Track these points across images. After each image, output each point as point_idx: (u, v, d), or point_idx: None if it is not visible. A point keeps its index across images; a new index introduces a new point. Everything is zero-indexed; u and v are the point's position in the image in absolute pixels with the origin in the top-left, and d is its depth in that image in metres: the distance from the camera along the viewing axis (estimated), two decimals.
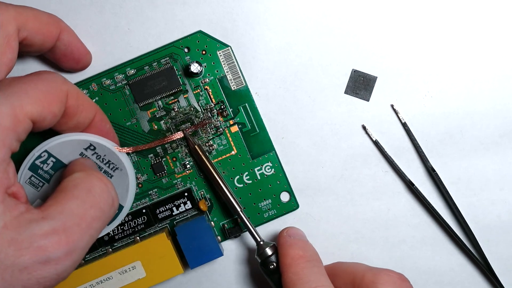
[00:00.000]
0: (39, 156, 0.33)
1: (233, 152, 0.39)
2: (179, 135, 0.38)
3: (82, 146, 0.34)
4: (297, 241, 0.37)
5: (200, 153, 0.38)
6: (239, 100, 0.39)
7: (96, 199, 0.29)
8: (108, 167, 0.35)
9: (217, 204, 0.40)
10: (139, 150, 0.38)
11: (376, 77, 0.39)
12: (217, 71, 0.39)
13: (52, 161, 0.33)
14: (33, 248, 0.26)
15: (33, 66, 0.39)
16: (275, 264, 0.36)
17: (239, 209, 0.37)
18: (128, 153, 0.37)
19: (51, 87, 0.30)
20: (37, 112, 0.29)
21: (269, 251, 0.36)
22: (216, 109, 0.39)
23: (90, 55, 0.38)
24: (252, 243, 0.40)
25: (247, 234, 0.40)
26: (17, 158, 0.31)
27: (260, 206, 0.40)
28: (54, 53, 0.36)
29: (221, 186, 0.38)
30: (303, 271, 0.34)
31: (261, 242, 0.37)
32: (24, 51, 0.34)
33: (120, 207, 0.35)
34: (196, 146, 0.38)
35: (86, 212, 0.29)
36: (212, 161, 0.39)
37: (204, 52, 0.39)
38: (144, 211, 0.39)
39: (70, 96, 0.32)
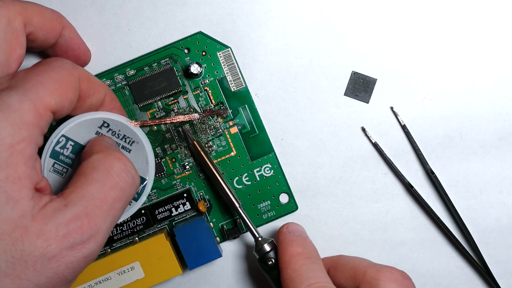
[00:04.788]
0: (58, 142, 0.33)
1: (232, 153, 0.39)
2: (192, 116, 0.38)
3: (96, 125, 0.34)
4: (297, 238, 0.37)
5: (199, 148, 0.38)
6: (239, 101, 0.39)
7: (116, 179, 0.30)
8: (125, 141, 0.35)
9: (216, 205, 0.40)
10: (146, 125, 0.38)
11: (376, 79, 0.40)
12: (217, 72, 0.39)
13: (71, 144, 0.34)
14: (59, 236, 0.27)
15: (32, 62, 0.38)
16: (273, 260, 0.36)
17: (237, 205, 0.37)
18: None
19: (64, 74, 0.31)
20: (55, 103, 0.29)
21: (267, 247, 0.36)
22: (215, 110, 0.39)
23: (89, 53, 0.38)
24: (251, 244, 0.40)
25: (246, 235, 0.40)
26: None
27: (259, 207, 0.40)
28: (55, 49, 0.36)
29: (220, 182, 0.38)
30: (301, 268, 0.34)
31: (260, 238, 0.37)
32: (27, 47, 0.34)
33: (143, 180, 0.35)
34: (194, 141, 0.38)
35: (107, 194, 0.29)
36: (211, 157, 0.39)
37: (204, 53, 0.39)
38: (143, 211, 0.39)
39: (81, 80, 0.32)
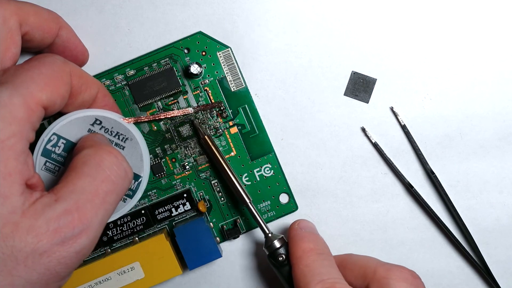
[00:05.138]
0: (49, 140, 0.33)
1: (232, 154, 0.39)
2: (186, 111, 0.38)
3: (88, 122, 0.34)
4: (308, 234, 0.37)
5: (210, 143, 0.38)
6: (239, 101, 0.39)
7: (107, 172, 0.30)
8: (118, 138, 0.35)
9: (216, 205, 0.40)
10: (141, 122, 0.38)
11: (376, 79, 0.39)
12: (217, 72, 0.39)
13: (62, 142, 0.33)
14: (49, 231, 0.27)
15: None
16: (284, 257, 0.36)
17: (248, 201, 0.37)
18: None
19: (55, 70, 0.31)
20: (46, 98, 0.29)
21: (277, 244, 0.36)
22: (215, 110, 0.39)
23: (87, 53, 0.38)
24: (251, 244, 0.40)
25: (246, 235, 0.40)
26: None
27: (259, 207, 0.40)
28: (52, 50, 0.36)
29: (231, 178, 0.38)
30: (314, 263, 0.34)
31: (270, 235, 0.37)
32: (24, 47, 0.34)
33: (138, 177, 0.35)
34: (206, 136, 0.38)
35: (98, 187, 0.29)
36: (222, 152, 0.39)
37: (204, 53, 0.39)
38: (143, 212, 0.39)
39: (73, 75, 0.32)
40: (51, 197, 0.28)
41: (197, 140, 0.39)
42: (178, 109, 0.39)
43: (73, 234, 0.27)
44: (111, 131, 0.34)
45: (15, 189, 0.27)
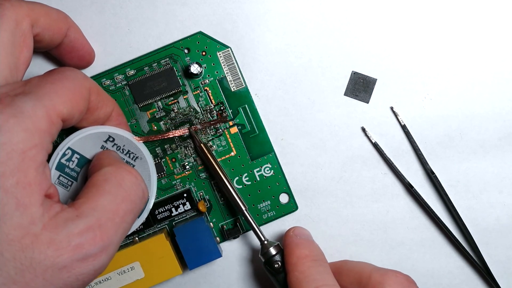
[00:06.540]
0: (64, 154, 0.33)
1: (232, 153, 0.39)
2: (195, 128, 0.38)
3: (102, 139, 0.34)
4: (303, 241, 0.37)
5: (206, 151, 0.38)
6: (239, 101, 0.39)
7: (127, 192, 0.30)
8: (129, 157, 0.35)
9: (216, 205, 0.40)
10: (150, 141, 0.38)
11: (376, 79, 0.40)
12: (217, 72, 0.39)
13: (76, 157, 0.33)
14: (71, 247, 0.26)
15: (36, 62, 0.38)
16: (279, 264, 0.36)
17: (244, 208, 0.37)
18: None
19: (76, 84, 0.31)
20: (67, 111, 0.29)
21: (273, 251, 0.36)
22: (215, 110, 0.39)
23: (94, 53, 0.38)
24: (251, 244, 0.40)
25: (246, 235, 0.40)
26: None
27: (259, 208, 0.40)
28: (60, 50, 0.36)
29: (226, 185, 0.38)
30: (309, 270, 0.34)
31: (265, 242, 0.37)
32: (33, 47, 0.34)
33: None
34: (202, 144, 0.38)
35: (119, 206, 0.29)
36: (218, 160, 0.39)
37: (204, 53, 0.39)
38: None
39: (92, 92, 0.32)
40: (73, 212, 0.27)
41: (194, 148, 0.39)
42: (178, 109, 0.39)
43: (94, 252, 0.27)
44: (122, 149, 0.35)
45: (35, 199, 0.26)
